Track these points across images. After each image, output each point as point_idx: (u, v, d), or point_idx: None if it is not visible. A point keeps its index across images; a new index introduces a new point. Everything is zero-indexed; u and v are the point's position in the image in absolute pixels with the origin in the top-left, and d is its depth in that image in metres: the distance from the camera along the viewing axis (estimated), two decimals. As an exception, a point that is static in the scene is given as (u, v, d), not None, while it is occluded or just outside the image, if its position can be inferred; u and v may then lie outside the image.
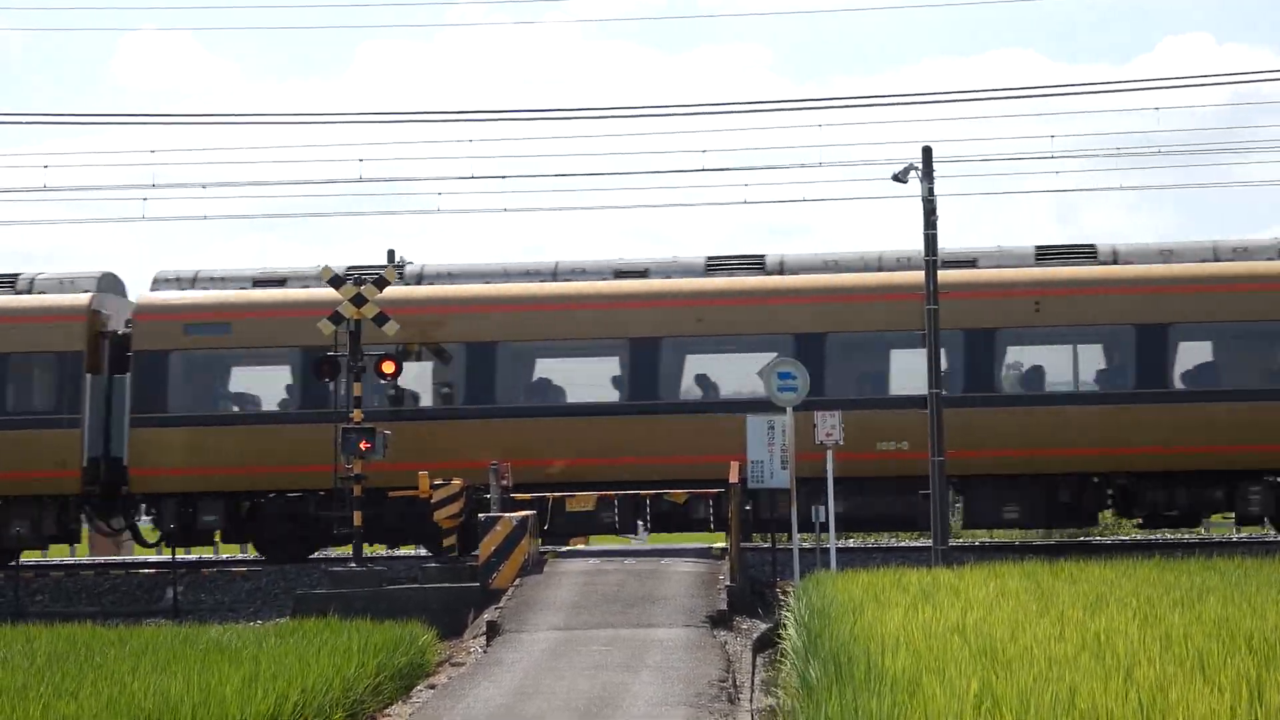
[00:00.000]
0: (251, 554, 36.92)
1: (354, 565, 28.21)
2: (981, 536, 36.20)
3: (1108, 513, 32.59)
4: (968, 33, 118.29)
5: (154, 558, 35.09)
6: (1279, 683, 11.75)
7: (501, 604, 23.36)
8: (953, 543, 29.57)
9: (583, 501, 28.32)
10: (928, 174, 28.05)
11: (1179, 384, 30.31)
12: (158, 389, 31.13)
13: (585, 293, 31.28)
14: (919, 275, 28.93)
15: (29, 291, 31.99)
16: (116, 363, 31.56)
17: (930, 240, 28.36)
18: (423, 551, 32.41)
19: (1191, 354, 30.31)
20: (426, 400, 31.64)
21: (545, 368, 31.64)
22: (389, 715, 17.23)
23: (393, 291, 30.05)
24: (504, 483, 27.87)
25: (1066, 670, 12.87)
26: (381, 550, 33.95)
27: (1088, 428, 29.88)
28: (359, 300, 29.03)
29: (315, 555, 32.23)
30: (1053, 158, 36.97)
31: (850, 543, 34.03)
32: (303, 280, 31.75)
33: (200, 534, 31.71)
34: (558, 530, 29.55)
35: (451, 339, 31.03)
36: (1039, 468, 29.78)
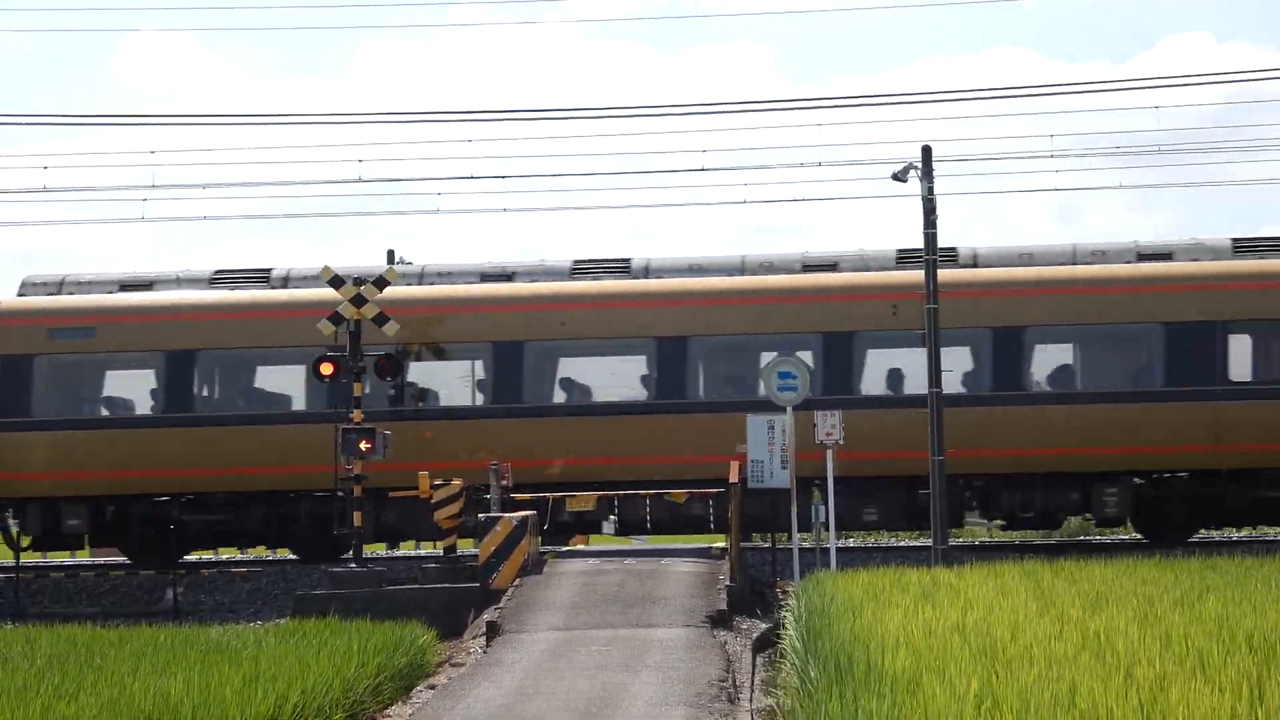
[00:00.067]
0: (252, 554, 36.89)
1: (354, 566, 28.21)
2: (981, 536, 36.18)
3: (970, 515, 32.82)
4: (967, 32, 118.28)
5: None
6: None
7: (501, 604, 23.36)
8: (952, 542, 29.58)
9: (583, 501, 28.33)
10: (927, 173, 28.05)
11: (1035, 386, 30.43)
12: (21, 393, 31.34)
13: (452, 296, 31.39)
14: (783, 279, 29.98)
15: None
16: None
17: (930, 240, 28.37)
18: (423, 551, 32.49)
19: (1048, 356, 30.34)
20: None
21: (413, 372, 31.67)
22: (389, 716, 17.22)
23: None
24: (504, 483, 27.88)
25: (1067, 669, 12.87)
26: (381, 550, 33.98)
27: (945, 429, 30.00)
28: (358, 300, 29.00)
29: (189, 559, 32.55)
30: (1052, 157, 36.99)
31: (850, 542, 34.06)
32: (168, 284, 32.01)
33: (65, 539, 31.95)
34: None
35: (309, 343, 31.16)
36: (899, 469, 29.74)
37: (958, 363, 30.93)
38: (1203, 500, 30.23)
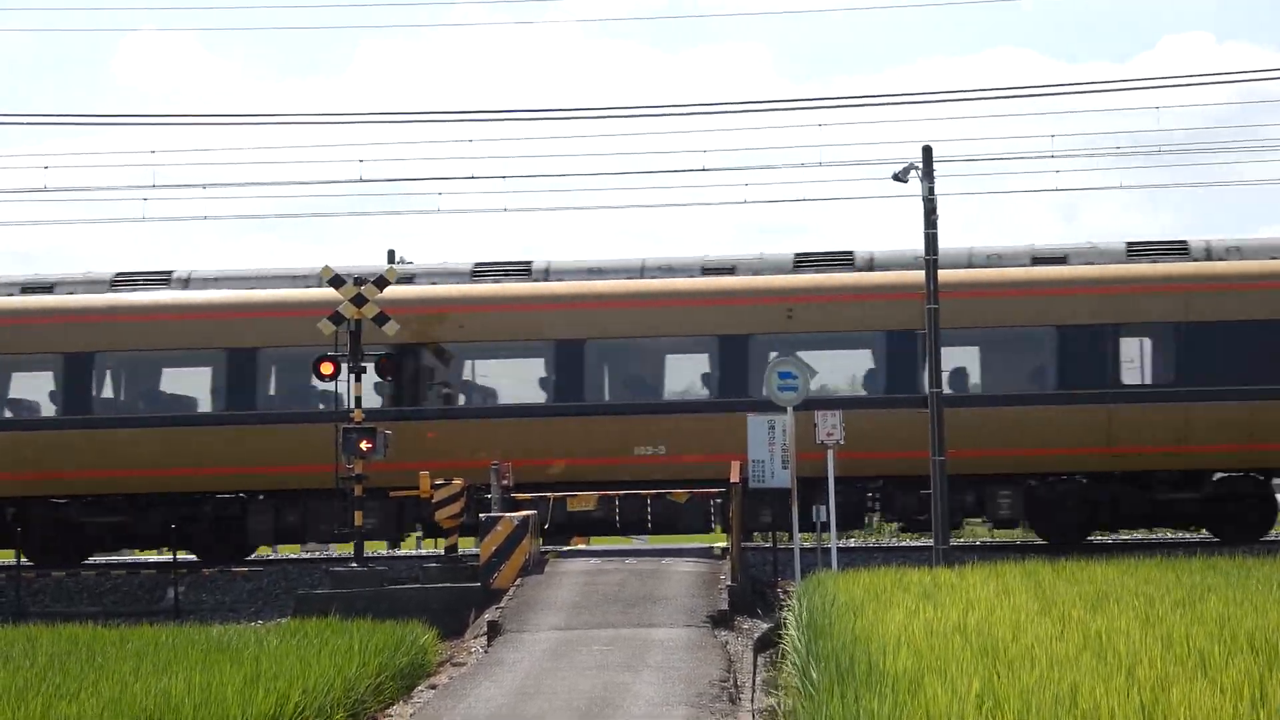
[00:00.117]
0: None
1: (355, 565, 28.23)
2: (983, 536, 36.21)
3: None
4: (968, 32, 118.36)
5: (154, 558, 35.10)
6: (1281, 682, 11.76)
7: (502, 604, 23.36)
8: (953, 542, 29.59)
9: (584, 501, 28.32)
10: (928, 173, 28.05)
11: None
12: None
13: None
14: (679, 283, 30.54)
15: None
16: None
17: (931, 240, 28.37)
18: (424, 551, 32.51)
19: (944, 359, 30.29)
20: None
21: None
22: (390, 715, 17.22)
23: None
24: (504, 482, 27.88)
25: (1068, 670, 12.88)
26: (382, 549, 33.99)
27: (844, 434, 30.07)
28: (359, 300, 29.02)
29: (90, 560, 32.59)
30: (1053, 157, 37.08)
31: (851, 542, 34.07)
32: (70, 286, 32.04)
33: None
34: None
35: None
36: (801, 472, 29.70)
37: (855, 365, 31.26)
38: (1097, 503, 30.25)
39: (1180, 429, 29.99)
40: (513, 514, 26.18)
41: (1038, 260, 31.06)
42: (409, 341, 30.61)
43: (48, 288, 32.11)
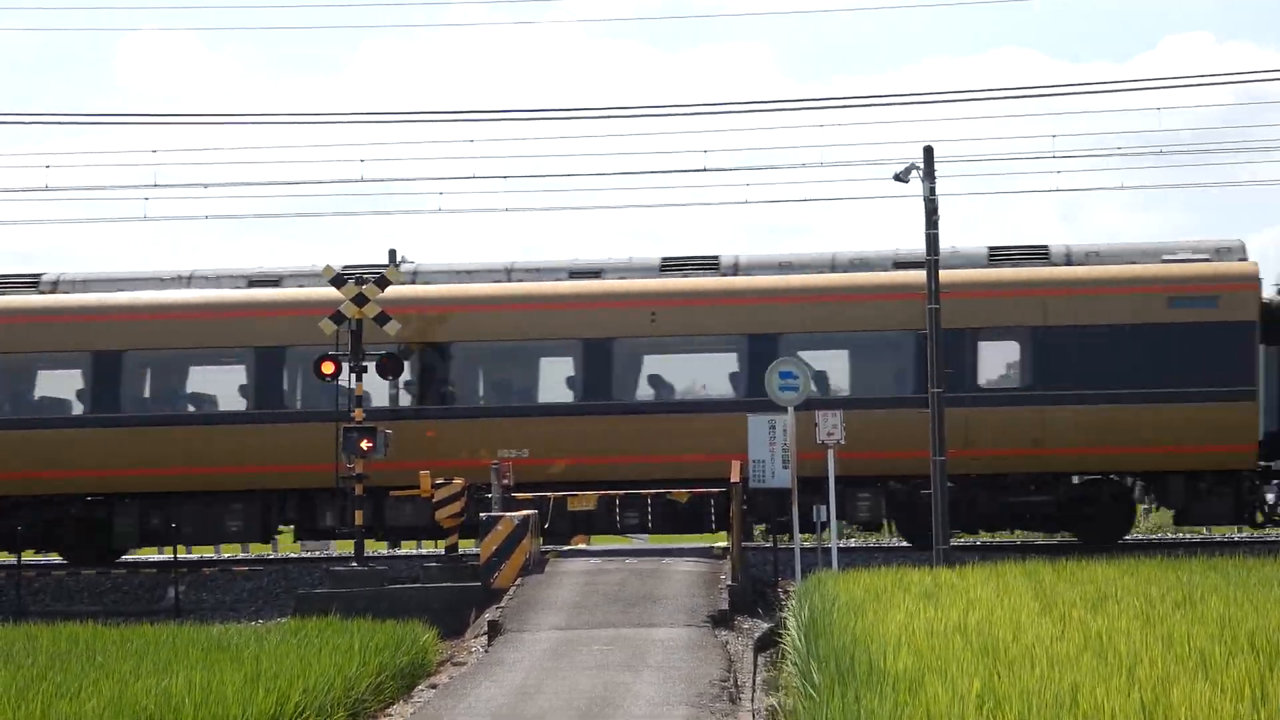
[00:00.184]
0: (255, 552, 36.91)
1: (356, 565, 28.23)
2: (984, 536, 36.18)
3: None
4: (969, 32, 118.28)
5: (155, 557, 35.10)
6: (1282, 682, 11.75)
7: (503, 603, 23.36)
8: (953, 543, 29.58)
9: (584, 501, 28.33)
10: (929, 173, 28.03)
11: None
12: None
13: (218, 301, 31.55)
14: (545, 286, 30.96)
15: None
16: None
17: (932, 240, 28.33)
18: (425, 550, 32.50)
19: (811, 363, 30.13)
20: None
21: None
22: (390, 715, 17.22)
23: None
24: (505, 482, 27.87)
25: (1068, 670, 12.87)
26: (383, 549, 33.97)
27: (703, 435, 30.08)
28: (360, 300, 29.02)
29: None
30: (1054, 157, 37.04)
31: (851, 542, 34.07)
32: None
33: None
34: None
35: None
36: (667, 473, 29.60)
37: (719, 369, 31.30)
38: (956, 504, 30.07)
39: (1037, 432, 30.17)
40: (513, 514, 26.19)
41: (899, 265, 31.14)
42: (275, 344, 31.02)
43: None
